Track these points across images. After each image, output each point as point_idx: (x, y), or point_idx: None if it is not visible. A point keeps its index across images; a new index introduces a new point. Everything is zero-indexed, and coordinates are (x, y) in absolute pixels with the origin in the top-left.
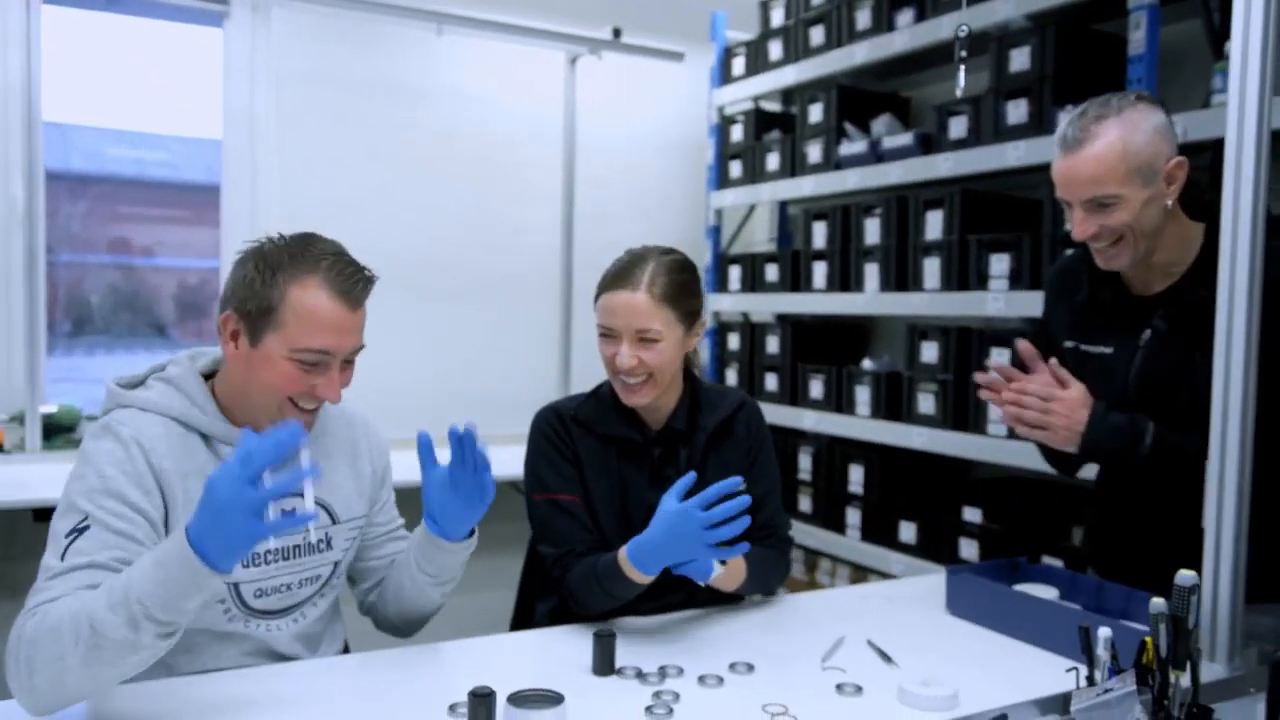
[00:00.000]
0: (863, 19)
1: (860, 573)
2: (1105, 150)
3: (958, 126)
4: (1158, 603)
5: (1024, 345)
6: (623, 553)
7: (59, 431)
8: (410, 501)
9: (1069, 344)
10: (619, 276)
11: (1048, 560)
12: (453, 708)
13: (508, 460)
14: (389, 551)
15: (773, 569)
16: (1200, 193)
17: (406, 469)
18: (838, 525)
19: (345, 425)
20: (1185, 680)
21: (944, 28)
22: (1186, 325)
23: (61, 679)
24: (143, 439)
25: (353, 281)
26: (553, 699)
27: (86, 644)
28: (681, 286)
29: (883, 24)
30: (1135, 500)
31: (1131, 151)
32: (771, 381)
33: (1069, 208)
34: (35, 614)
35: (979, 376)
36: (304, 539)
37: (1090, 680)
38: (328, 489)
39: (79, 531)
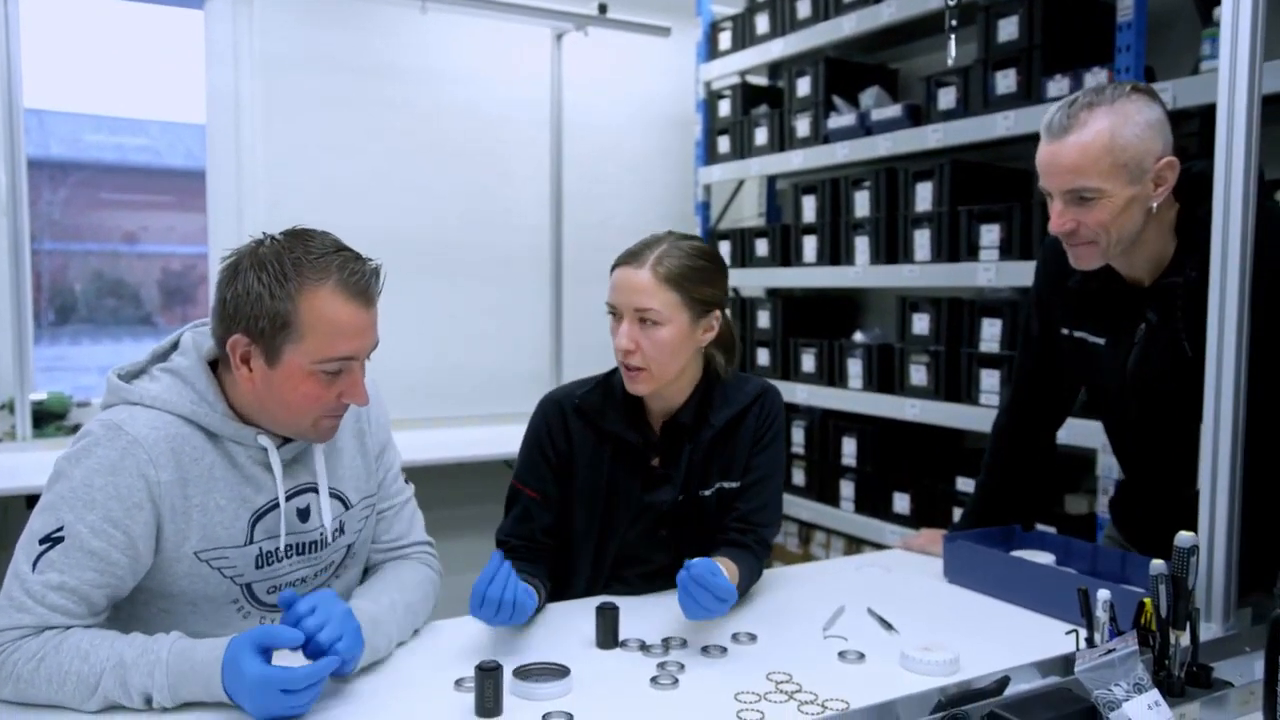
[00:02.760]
0: None
1: (855, 544)
2: (1091, 139)
3: (946, 98)
4: (1158, 564)
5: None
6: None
7: (49, 419)
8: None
9: (1065, 331)
10: (629, 253)
11: (1041, 528)
12: (459, 682)
13: (501, 439)
14: (394, 536)
15: (753, 575)
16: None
17: (403, 449)
18: (832, 498)
19: None
20: (1185, 640)
21: None
22: (1174, 315)
23: (58, 705)
24: (143, 446)
25: (366, 279)
26: (559, 671)
27: (96, 704)
28: (694, 271)
29: None
30: (1159, 468)
31: (1119, 145)
32: (763, 356)
33: (1050, 198)
34: (20, 649)
35: None
36: (319, 534)
37: (1090, 642)
38: (340, 476)
39: (53, 541)
